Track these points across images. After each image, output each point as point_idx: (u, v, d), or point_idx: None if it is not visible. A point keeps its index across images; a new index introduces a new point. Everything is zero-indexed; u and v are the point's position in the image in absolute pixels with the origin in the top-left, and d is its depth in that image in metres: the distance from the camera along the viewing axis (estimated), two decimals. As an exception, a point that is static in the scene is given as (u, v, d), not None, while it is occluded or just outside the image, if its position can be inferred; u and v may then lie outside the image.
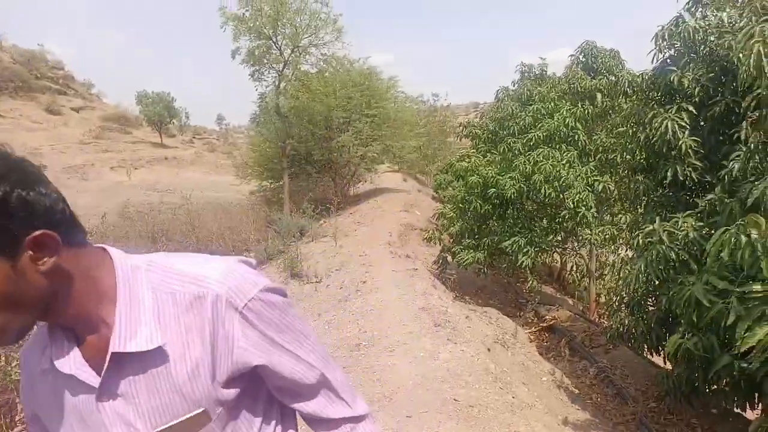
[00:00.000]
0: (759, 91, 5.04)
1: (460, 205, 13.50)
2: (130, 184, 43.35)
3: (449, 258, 14.25)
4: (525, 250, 12.14)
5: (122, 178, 44.70)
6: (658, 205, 8.15)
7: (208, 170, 46.17)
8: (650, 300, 8.00)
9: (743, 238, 4.58)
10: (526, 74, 17.03)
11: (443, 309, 8.56)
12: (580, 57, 13.05)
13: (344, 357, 6.94)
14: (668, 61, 8.11)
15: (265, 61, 21.59)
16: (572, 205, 11.69)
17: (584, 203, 11.44)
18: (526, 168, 11.86)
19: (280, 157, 22.66)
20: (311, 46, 21.93)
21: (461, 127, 14.80)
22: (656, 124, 7.51)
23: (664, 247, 6.79)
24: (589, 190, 11.54)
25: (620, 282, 8.03)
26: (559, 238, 13.41)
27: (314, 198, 28.01)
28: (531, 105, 12.83)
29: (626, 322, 8.17)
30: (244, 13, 20.25)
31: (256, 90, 21.97)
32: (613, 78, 12.62)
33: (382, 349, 6.95)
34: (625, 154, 12.44)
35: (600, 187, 12.16)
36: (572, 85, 12.66)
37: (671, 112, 7.45)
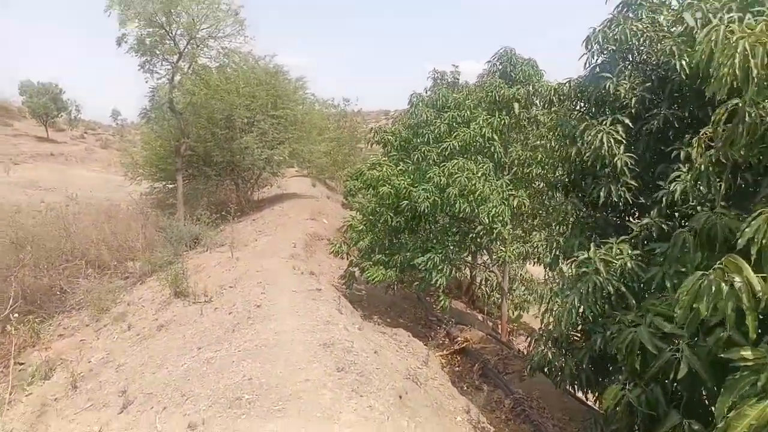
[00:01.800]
0: (735, 102, 4.09)
1: (370, 217, 12.17)
2: (7, 180, 38.18)
3: (357, 273, 12.86)
4: (440, 267, 11.02)
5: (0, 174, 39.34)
6: (586, 227, 7.23)
7: (100, 168, 41.72)
8: (580, 336, 7.05)
9: (724, 287, 3.54)
10: (438, 81, 16.10)
11: (348, 344, 7.13)
12: (498, 65, 12.21)
13: (218, 418, 5.29)
14: (598, 68, 7.23)
15: (158, 51, 19.10)
16: (487, 221, 10.73)
17: (500, 218, 10.50)
18: (440, 180, 10.75)
19: (173, 157, 20.19)
20: (210, 38, 19.73)
21: (372, 133, 13.50)
22: (588, 138, 6.57)
23: (600, 279, 5.80)
24: (505, 205, 10.62)
25: (547, 315, 7.00)
26: (471, 253, 12.45)
27: (214, 202, 25.65)
28: (446, 112, 11.77)
29: (550, 356, 7.18)
30: (132, -3, 17.71)
31: (147, 82, 19.44)
32: (531, 88, 11.92)
33: (269, 406, 5.39)
34: (543, 168, 11.78)
35: (515, 202, 11.33)
36: (489, 94, 11.76)
37: (605, 125, 6.53)
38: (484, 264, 13.19)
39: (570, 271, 6.22)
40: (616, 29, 6.71)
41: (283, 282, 10.81)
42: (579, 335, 7.08)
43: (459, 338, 12.16)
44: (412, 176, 11.67)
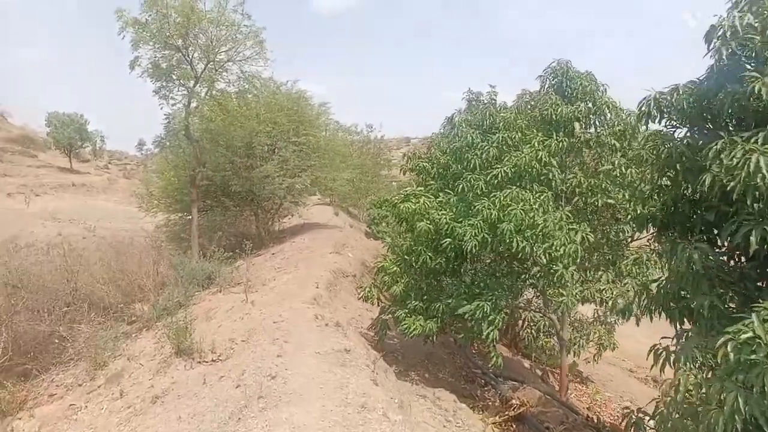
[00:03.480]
0: None
1: (405, 257, 10.20)
2: (28, 212, 37.30)
3: (390, 321, 10.84)
4: (490, 317, 8.95)
5: (20, 206, 38.57)
6: (719, 282, 5.14)
7: (121, 199, 40.68)
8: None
9: None
10: (473, 103, 14.15)
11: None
12: (551, 79, 10.30)
13: None
14: (726, 68, 5.23)
15: (174, 76, 17.64)
16: (545, 260, 8.69)
17: (565, 258, 8.45)
18: (491, 213, 8.75)
19: (189, 188, 18.57)
20: (229, 62, 18.23)
21: (405, 159, 11.62)
22: (732, 161, 4.54)
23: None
24: (572, 242, 8.57)
25: (674, 413, 4.87)
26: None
27: (234, 234, 24.02)
28: (494, 134, 9.82)
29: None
30: (146, 19, 16.35)
31: (161, 109, 17.96)
32: (592, 104, 9.96)
33: None
34: (609, 198, 9.73)
35: (578, 237, 9.26)
36: (544, 113, 9.83)
37: (758, 143, 4.51)
38: (534, 305, 11.07)
39: (729, 356, 4.13)
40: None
41: (303, 338, 8.85)
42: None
43: (513, 400, 9.99)
44: (454, 209, 9.70)
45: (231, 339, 10.04)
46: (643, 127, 6.87)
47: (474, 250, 8.78)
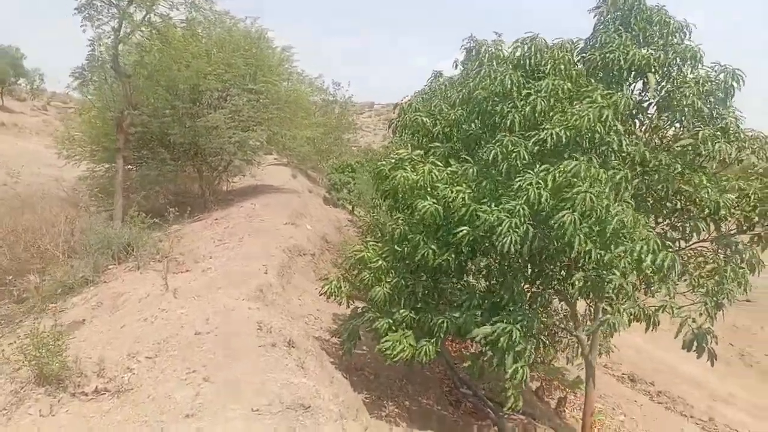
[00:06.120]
0: None
1: (396, 247, 6.65)
2: (-57, 150, 31.04)
3: (362, 328, 7.37)
4: (518, 347, 5.64)
5: (-65, 143, 32.30)
6: None
7: (55, 142, 34.80)
8: None
9: None
10: (473, 53, 10.46)
11: None
12: (611, 10, 6.85)
13: None
14: None
15: (101, -9, 13.03)
16: (620, 271, 5.43)
17: (657, 268, 5.22)
18: (539, 195, 5.33)
19: (116, 133, 14.20)
20: (173, -21, 13.74)
21: (398, 112, 7.91)
22: None
23: None
24: (664, 250, 5.30)
25: None
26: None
27: (173, 191, 19.68)
28: (539, 80, 6.29)
29: None
30: None
31: (84, 32, 13.36)
32: (671, 51, 6.61)
33: None
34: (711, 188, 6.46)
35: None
36: (608, 56, 6.41)
37: None
38: (566, 328, 7.86)
39: None
40: None
41: (236, 370, 5.28)
42: None
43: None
44: (474, 185, 6.20)
45: (131, 355, 6.34)
46: None
47: (513, 249, 5.35)
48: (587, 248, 5.20)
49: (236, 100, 15.98)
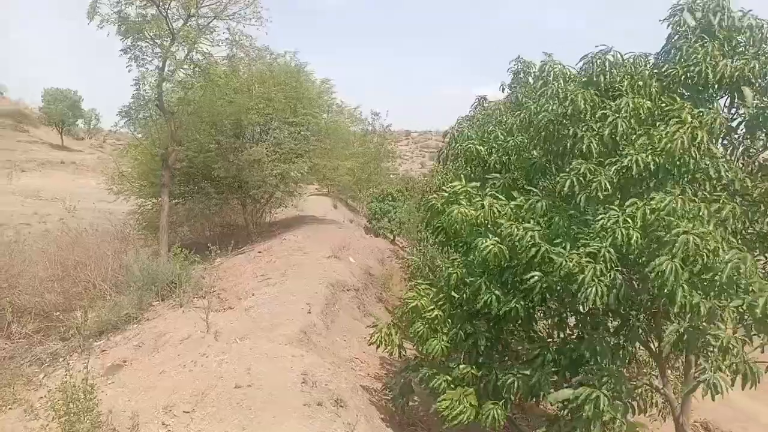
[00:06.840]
0: None
1: (453, 293, 5.80)
2: (8, 189, 32.36)
3: (415, 382, 6.49)
4: (606, 414, 4.63)
5: (2, 181, 33.69)
6: None
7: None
8: None
9: None
10: (522, 75, 9.57)
11: None
12: (689, 17, 5.95)
13: None
14: None
15: (146, 31, 13.05)
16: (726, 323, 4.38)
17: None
18: (628, 235, 4.39)
19: (161, 169, 14.06)
20: (215, 19, 13.66)
21: (448, 140, 7.13)
22: None
23: None
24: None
25: None
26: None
27: (218, 224, 19.54)
28: (619, 98, 5.41)
29: None
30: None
31: (129, 71, 13.40)
32: (763, 59, 5.59)
33: None
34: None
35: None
36: (691, 69, 5.49)
37: None
38: (649, 383, 6.70)
39: None
40: None
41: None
42: None
43: None
44: (542, 221, 5.31)
45: (167, 408, 5.70)
46: None
47: (598, 302, 4.41)
48: (694, 301, 4.21)
49: (277, 133, 15.71)
